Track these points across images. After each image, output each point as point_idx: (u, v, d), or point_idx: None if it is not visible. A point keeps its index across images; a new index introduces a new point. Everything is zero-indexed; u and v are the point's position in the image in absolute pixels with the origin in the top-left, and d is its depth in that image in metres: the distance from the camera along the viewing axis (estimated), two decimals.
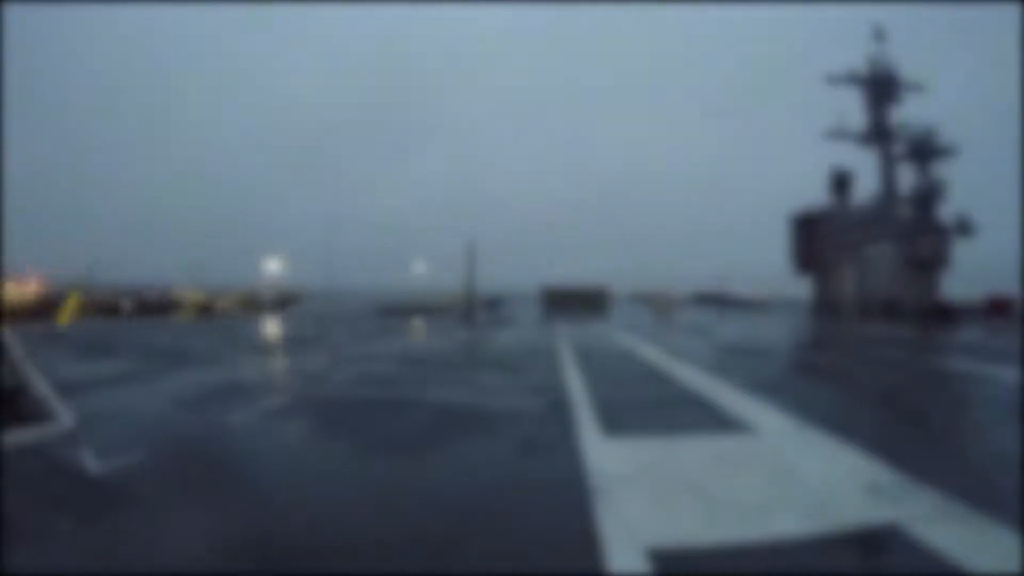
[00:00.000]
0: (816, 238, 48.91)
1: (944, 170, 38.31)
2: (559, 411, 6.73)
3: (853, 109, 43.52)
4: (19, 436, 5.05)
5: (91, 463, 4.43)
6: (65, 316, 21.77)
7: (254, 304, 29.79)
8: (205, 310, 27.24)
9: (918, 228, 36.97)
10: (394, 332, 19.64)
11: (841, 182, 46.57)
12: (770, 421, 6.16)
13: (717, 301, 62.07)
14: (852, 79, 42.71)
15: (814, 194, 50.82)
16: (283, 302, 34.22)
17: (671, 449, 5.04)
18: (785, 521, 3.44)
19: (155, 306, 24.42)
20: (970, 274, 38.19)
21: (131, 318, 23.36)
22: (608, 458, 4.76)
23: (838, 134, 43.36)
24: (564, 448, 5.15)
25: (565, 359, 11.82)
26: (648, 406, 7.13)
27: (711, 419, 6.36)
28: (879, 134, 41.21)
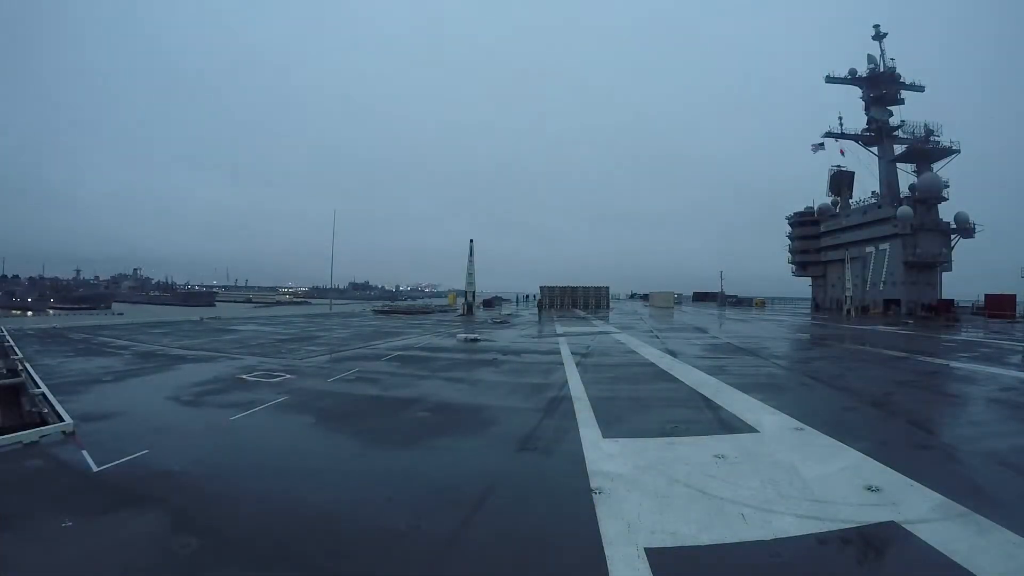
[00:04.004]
0: (816, 238, 48.92)
1: (944, 170, 38.30)
2: (559, 411, 6.74)
3: (854, 109, 43.55)
4: None
5: None
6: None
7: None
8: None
9: (918, 228, 36.96)
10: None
11: (840, 182, 46.51)
12: (769, 421, 6.16)
13: (716, 300, 62.00)
14: (852, 79, 42.66)
15: (814, 194, 50.92)
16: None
17: (670, 449, 5.04)
18: (784, 521, 3.45)
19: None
20: (970, 274, 38.22)
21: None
22: (607, 458, 4.76)
23: (838, 134, 43.32)
24: (563, 449, 5.15)
25: (565, 358, 11.82)
26: (648, 406, 7.12)
27: (711, 419, 6.36)
28: (879, 134, 41.18)
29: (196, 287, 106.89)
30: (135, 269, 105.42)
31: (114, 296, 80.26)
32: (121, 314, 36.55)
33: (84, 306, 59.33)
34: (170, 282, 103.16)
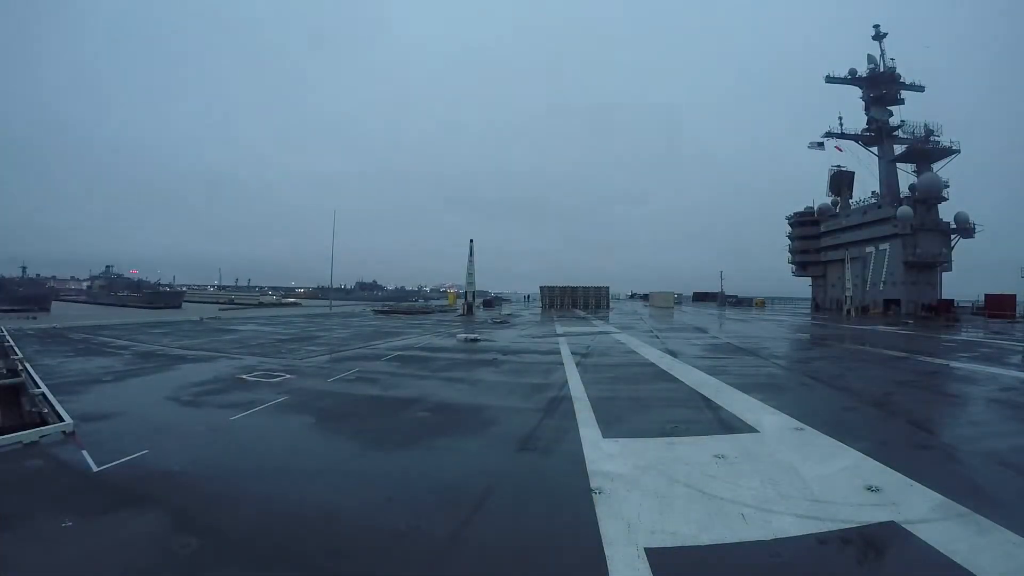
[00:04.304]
0: (816, 238, 48.93)
1: (944, 170, 38.29)
2: (558, 411, 6.74)
3: (854, 109, 43.55)
4: None
5: None
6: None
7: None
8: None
9: (918, 228, 36.96)
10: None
11: (840, 182, 46.52)
12: (769, 421, 6.16)
13: (716, 300, 62.03)
14: (852, 79, 42.66)
15: (814, 194, 50.94)
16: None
17: (670, 449, 5.04)
18: (784, 521, 3.45)
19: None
20: (970, 274, 38.20)
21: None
22: (607, 458, 4.76)
23: (838, 134, 43.32)
24: (563, 449, 5.15)
25: (565, 358, 11.82)
26: (648, 406, 7.12)
27: (711, 419, 6.36)
28: (879, 134, 41.18)
29: (166, 287, 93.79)
30: (107, 267, 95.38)
31: (58, 295, 73.52)
32: (35, 318, 30.74)
33: (18, 308, 49.88)
34: (139, 280, 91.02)
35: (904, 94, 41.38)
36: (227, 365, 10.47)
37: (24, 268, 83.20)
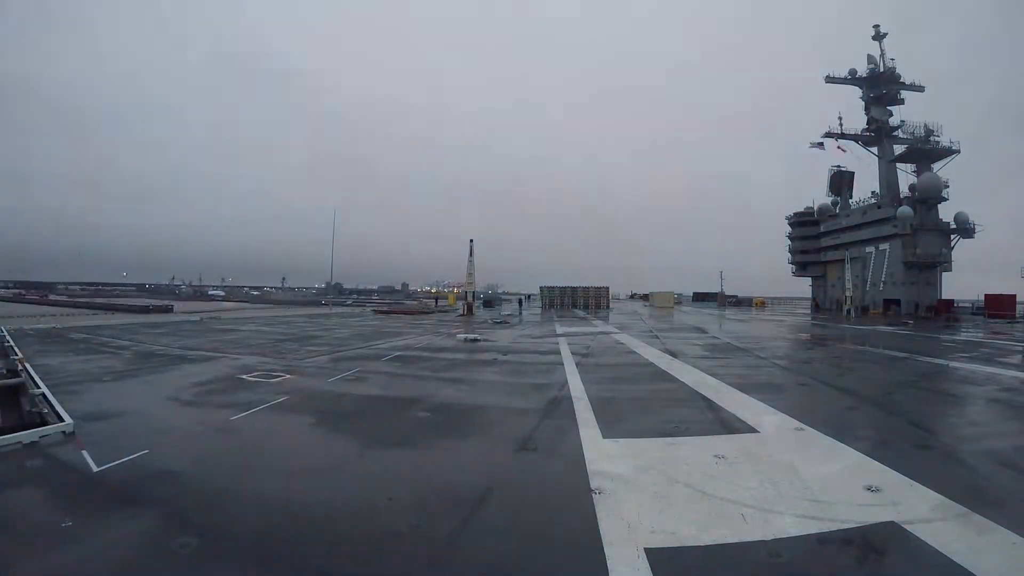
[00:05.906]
0: (816, 238, 48.91)
1: (944, 170, 38.28)
2: (558, 411, 6.73)
3: (854, 109, 43.54)
4: None
5: None
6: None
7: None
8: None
9: (918, 228, 36.95)
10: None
11: (840, 182, 46.49)
12: (769, 421, 6.16)
13: (716, 300, 62.02)
14: (852, 79, 42.64)
15: (814, 194, 50.94)
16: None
17: (670, 449, 5.04)
18: (784, 521, 3.45)
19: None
20: (970, 274, 38.22)
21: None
22: (607, 458, 4.76)
23: (838, 134, 43.30)
24: (563, 449, 5.15)
25: (565, 358, 11.82)
26: (648, 406, 7.11)
27: (711, 419, 6.36)
28: (879, 134, 41.15)
29: None
30: None
31: None
32: None
33: None
34: None
35: (904, 94, 41.36)
36: (227, 365, 10.46)
37: None
